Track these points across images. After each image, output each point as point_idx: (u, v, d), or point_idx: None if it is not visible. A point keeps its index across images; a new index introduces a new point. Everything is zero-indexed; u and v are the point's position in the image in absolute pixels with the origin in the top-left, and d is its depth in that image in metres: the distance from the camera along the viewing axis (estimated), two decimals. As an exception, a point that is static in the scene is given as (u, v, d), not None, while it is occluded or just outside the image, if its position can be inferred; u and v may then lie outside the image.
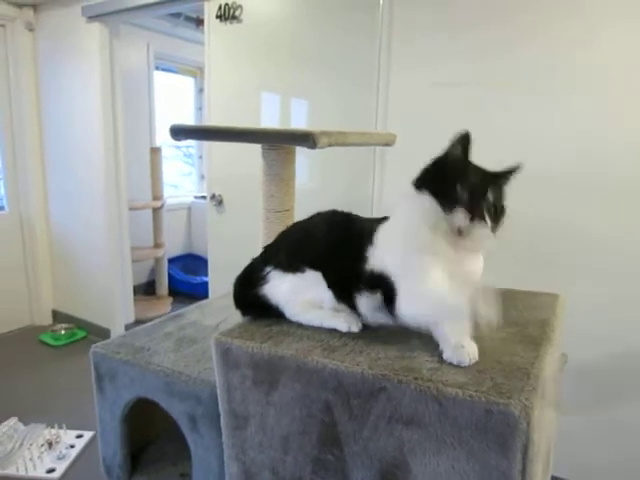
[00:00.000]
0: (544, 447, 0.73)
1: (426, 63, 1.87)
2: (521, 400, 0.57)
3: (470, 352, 0.70)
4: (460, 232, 0.69)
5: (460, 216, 0.69)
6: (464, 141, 0.74)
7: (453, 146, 0.74)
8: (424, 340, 0.76)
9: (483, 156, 0.75)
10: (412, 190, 0.75)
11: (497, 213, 0.72)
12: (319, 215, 0.91)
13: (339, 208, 0.93)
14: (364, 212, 0.91)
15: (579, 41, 1.59)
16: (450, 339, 0.72)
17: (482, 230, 0.70)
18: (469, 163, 0.74)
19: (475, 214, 0.69)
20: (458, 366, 0.68)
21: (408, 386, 0.63)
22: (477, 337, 0.73)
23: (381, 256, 0.78)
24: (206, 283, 2.82)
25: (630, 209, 1.58)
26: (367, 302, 0.79)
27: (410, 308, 0.73)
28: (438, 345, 0.73)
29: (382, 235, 0.80)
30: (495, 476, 0.59)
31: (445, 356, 0.71)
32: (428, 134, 1.77)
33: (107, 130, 2.89)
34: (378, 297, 0.77)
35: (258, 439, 0.78)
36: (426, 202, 0.72)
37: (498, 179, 0.74)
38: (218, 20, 2.32)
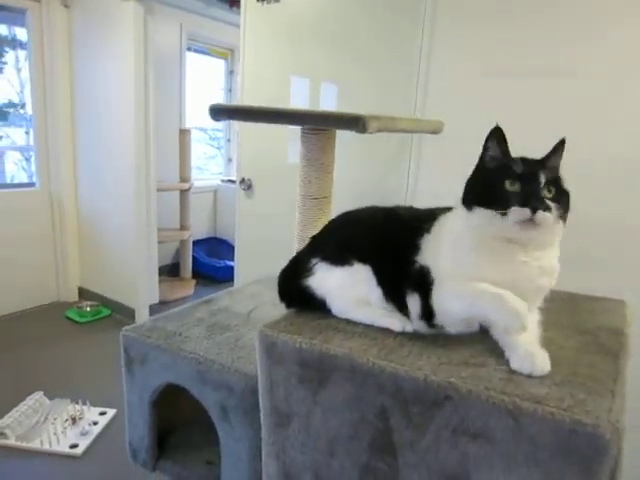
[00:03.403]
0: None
1: (471, 50, 1.77)
2: (611, 421, 0.51)
3: (542, 362, 0.64)
4: (524, 225, 0.65)
5: (516, 212, 0.65)
6: (498, 136, 0.70)
7: (488, 146, 0.71)
8: (487, 345, 0.70)
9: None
10: (463, 212, 0.72)
11: (558, 195, 0.68)
12: (373, 207, 0.86)
13: (372, 197, 0.88)
14: (398, 201, 0.86)
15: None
16: (517, 346, 0.66)
17: (545, 217, 0.65)
18: (510, 157, 0.70)
19: (531, 203, 0.65)
20: (530, 377, 0.61)
21: (478, 397, 0.57)
22: (545, 344, 0.67)
23: (434, 250, 0.73)
24: (230, 267, 2.80)
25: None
26: (414, 303, 0.74)
27: (452, 304, 0.68)
28: (504, 351, 0.67)
29: (440, 229, 0.75)
30: (574, 502, 0.53)
31: (513, 365, 0.64)
32: (468, 124, 1.70)
33: (138, 110, 2.86)
34: (418, 300, 0.72)
35: (301, 439, 0.74)
36: (479, 216, 0.69)
37: (547, 162, 0.70)
38: (255, 0, 2.26)
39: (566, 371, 0.62)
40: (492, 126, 0.71)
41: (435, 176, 1.93)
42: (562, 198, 0.68)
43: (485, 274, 0.68)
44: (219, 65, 4.44)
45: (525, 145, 0.73)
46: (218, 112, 1.22)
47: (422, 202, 0.85)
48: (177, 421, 1.34)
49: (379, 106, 2.01)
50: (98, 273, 3.33)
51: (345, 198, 0.95)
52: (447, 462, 0.61)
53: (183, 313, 1.29)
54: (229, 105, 2.73)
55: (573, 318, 0.81)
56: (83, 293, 3.40)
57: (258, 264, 2.30)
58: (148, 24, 2.83)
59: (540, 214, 0.64)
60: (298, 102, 2.29)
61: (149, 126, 2.98)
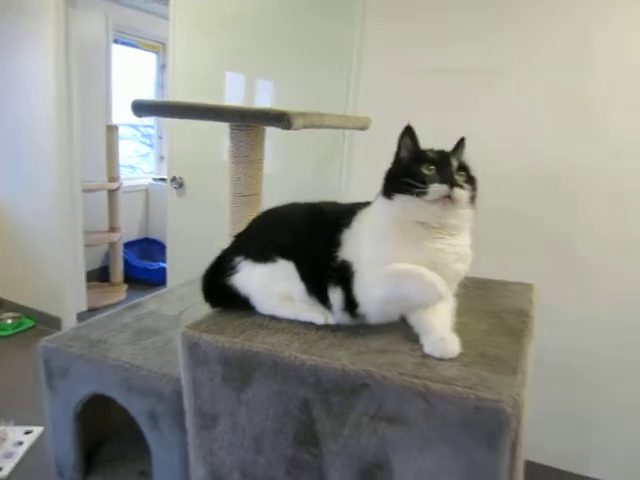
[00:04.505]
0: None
1: (401, 48, 1.83)
2: (512, 396, 0.55)
3: (452, 345, 0.68)
4: (443, 203, 0.70)
5: (436, 188, 0.70)
6: (410, 133, 0.77)
7: (402, 141, 0.77)
8: (405, 333, 0.73)
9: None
10: (384, 201, 0.75)
11: (468, 179, 0.74)
12: (296, 204, 0.87)
13: (305, 193, 0.89)
14: (331, 197, 0.88)
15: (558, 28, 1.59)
16: (430, 331, 0.69)
17: (461, 194, 0.71)
18: (422, 149, 0.77)
19: (448, 180, 0.70)
20: (442, 360, 0.65)
21: (393, 382, 0.59)
22: (457, 329, 0.71)
23: (354, 244, 0.75)
24: (164, 269, 2.70)
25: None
26: (336, 297, 0.76)
27: (374, 289, 0.71)
28: (419, 338, 0.71)
29: (359, 223, 0.78)
30: (482, 473, 0.57)
31: (426, 350, 0.68)
32: (399, 120, 1.77)
33: (60, 106, 2.69)
34: (340, 293, 0.75)
35: (228, 439, 0.73)
36: (400, 202, 0.73)
37: (455, 152, 0.78)
38: (186, -9, 2.20)
39: (475, 353, 0.67)
40: (417, 124, 0.77)
41: (367, 172, 1.97)
42: (472, 182, 0.74)
43: (404, 261, 0.71)
44: (150, 59, 4.27)
45: (454, 141, 0.79)
46: (141, 108, 1.18)
47: (355, 198, 0.87)
48: (108, 432, 1.28)
49: (313, 103, 2.02)
50: (19, 282, 3.11)
51: (280, 195, 0.95)
52: (367, 447, 0.63)
53: (108, 320, 1.23)
54: (152, 101, 2.63)
55: (484, 302, 0.87)
56: (3, 304, 3.16)
57: (191, 265, 2.23)
58: (70, 13, 2.66)
59: (457, 190, 0.70)
60: (233, 98, 2.26)
61: (73, 123, 2.80)
